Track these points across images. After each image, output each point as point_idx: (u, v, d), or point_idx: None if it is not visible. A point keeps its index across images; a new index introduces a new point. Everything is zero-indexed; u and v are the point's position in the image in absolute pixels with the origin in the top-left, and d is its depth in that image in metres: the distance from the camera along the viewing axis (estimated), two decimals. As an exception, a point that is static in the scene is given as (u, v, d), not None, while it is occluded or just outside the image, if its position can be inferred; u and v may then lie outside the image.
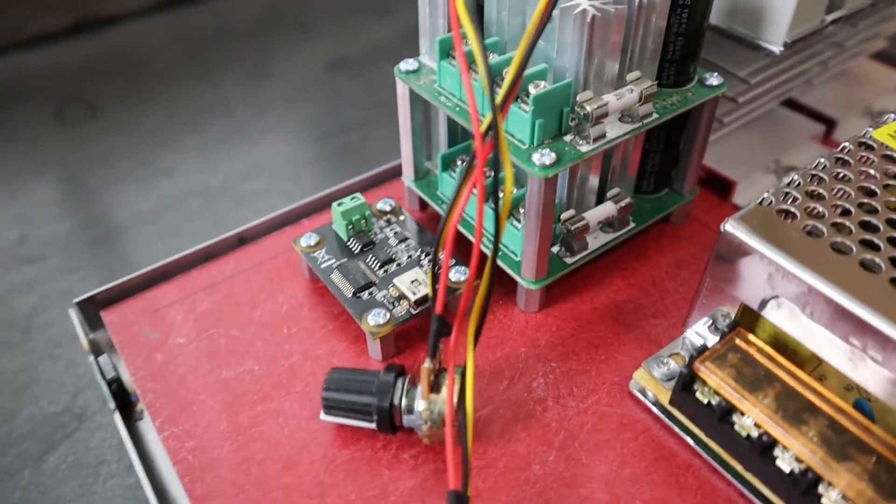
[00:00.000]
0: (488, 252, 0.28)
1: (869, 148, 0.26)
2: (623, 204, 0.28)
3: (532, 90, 0.24)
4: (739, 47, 0.30)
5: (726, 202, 0.34)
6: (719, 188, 0.34)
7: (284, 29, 0.59)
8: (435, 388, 0.23)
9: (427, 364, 0.22)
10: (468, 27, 0.20)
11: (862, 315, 0.20)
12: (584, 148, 0.24)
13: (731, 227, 0.22)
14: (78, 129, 0.49)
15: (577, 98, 0.24)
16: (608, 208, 0.28)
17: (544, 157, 0.24)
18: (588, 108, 0.24)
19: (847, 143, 0.26)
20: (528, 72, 0.24)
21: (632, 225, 0.29)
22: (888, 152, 0.25)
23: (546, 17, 0.21)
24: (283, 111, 0.50)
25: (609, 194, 0.29)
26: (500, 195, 0.20)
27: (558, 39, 0.24)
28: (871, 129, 0.27)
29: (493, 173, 0.20)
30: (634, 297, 0.29)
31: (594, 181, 0.28)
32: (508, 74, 0.20)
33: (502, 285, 0.29)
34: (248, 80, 0.53)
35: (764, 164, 0.35)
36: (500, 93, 0.21)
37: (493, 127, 0.20)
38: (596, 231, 0.29)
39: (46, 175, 0.46)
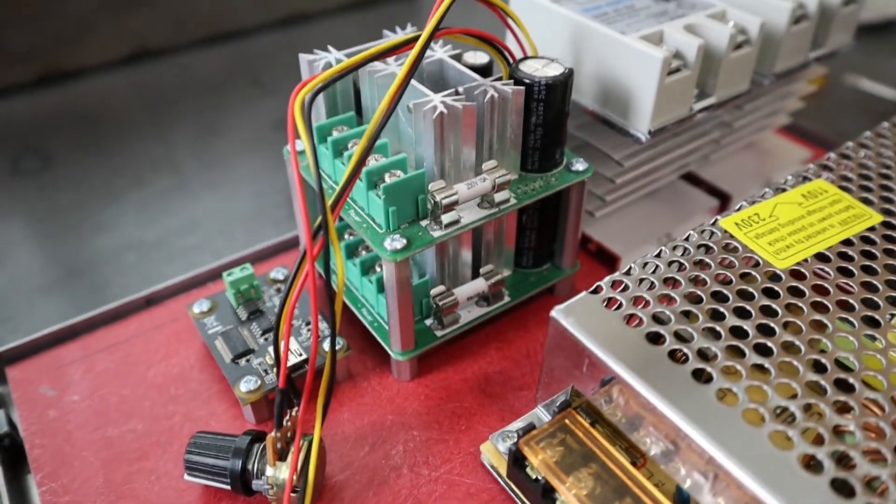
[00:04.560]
0: (366, 323, 0.30)
1: (712, 236, 0.27)
2: (494, 280, 0.30)
3: (387, 179, 0.26)
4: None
5: (614, 274, 0.35)
6: (607, 261, 0.36)
7: (241, 86, 0.61)
8: (283, 455, 0.24)
9: (273, 433, 0.24)
10: (302, 130, 0.22)
11: (658, 406, 0.21)
12: (437, 233, 0.26)
13: (556, 313, 0.24)
14: (30, 181, 0.52)
15: (430, 187, 0.26)
16: (478, 284, 0.30)
17: (395, 242, 0.25)
18: (438, 197, 0.26)
19: (692, 231, 0.28)
20: (387, 161, 0.26)
21: (506, 299, 0.31)
22: (728, 241, 0.27)
23: (384, 120, 0.23)
24: (227, 167, 0.52)
25: (482, 270, 0.30)
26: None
27: (414, 131, 0.26)
28: (719, 217, 0.28)
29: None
30: (506, 369, 0.31)
31: (467, 257, 0.30)
32: (345, 173, 0.22)
33: (380, 354, 0.31)
34: (198, 135, 0.55)
35: (655, 237, 0.37)
36: (340, 187, 0.23)
37: (322, 224, 0.21)
38: (470, 305, 0.31)
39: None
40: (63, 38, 0.63)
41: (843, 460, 0.20)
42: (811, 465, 0.20)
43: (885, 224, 0.28)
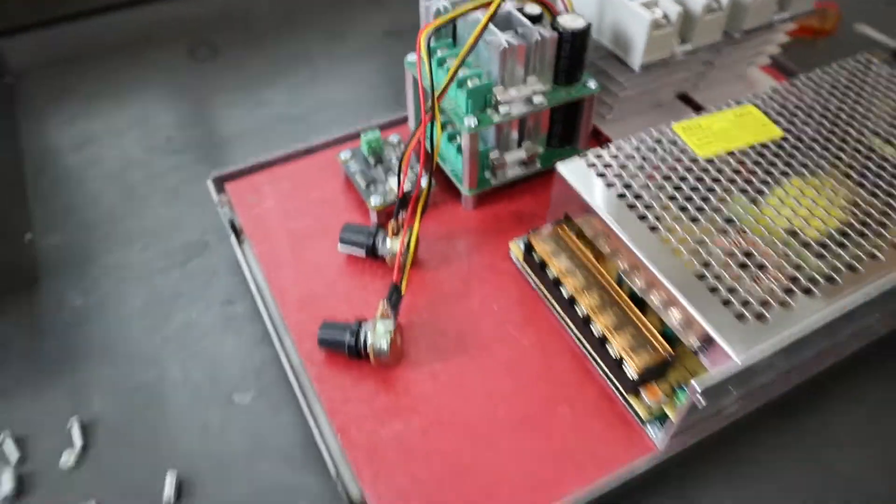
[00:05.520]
0: (447, 171, 0.48)
1: (664, 135, 0.44)
2: (530, 152, 0.48)
3: (470, 84, 0.43)
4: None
5: (616, 160, 0.52)
6: (612, 150, 0.53)
7: (360, 1, 0.78)
8: (396, 235, 0.43)
9: (392, 222, 0.43)
10: (424, 54, 0.39)
11: (614, 226, 0.39)
12: (496, 118, 0.44)
13: (559, 167, 0.41)
14: (205, 66, 0.70)
15: (494, 90, 0.43)
16: (519, 153, 0.48)
17: (470, 120, 0.43)
18: (498, 97, 0.43)
19: (652, 129, 0.44)
20: (470, 72, 0.44)
21: (538, 166, 0.49)
22: (674, 138, 0.44)
23: (470, 49, 0.40)
24: (350, 64, 0.70)
25: (524, 145, 0.48)
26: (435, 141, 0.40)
27: (488, 56, 0.43)
28: (673, 123, 0.45)
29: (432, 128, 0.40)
30: (533, 209, 0.49)
31: (514, 136, 0.47)
32: (445, 79, 0.40)
33: (453, 193, 0.49)
34: (326, 38, 0.73)
35: (649, 137, 0.53)
36: (441, 87, 0.40)
37: (432, 108, 0.39)
38: (514, 166, 0.48)
39: (184, 98, 0.67)
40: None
41: (709, 267, 0.37)
42: (699, 274, 0.37)
43: (782, 138, 0.44)
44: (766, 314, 0.35)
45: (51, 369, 0.46)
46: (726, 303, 0.35)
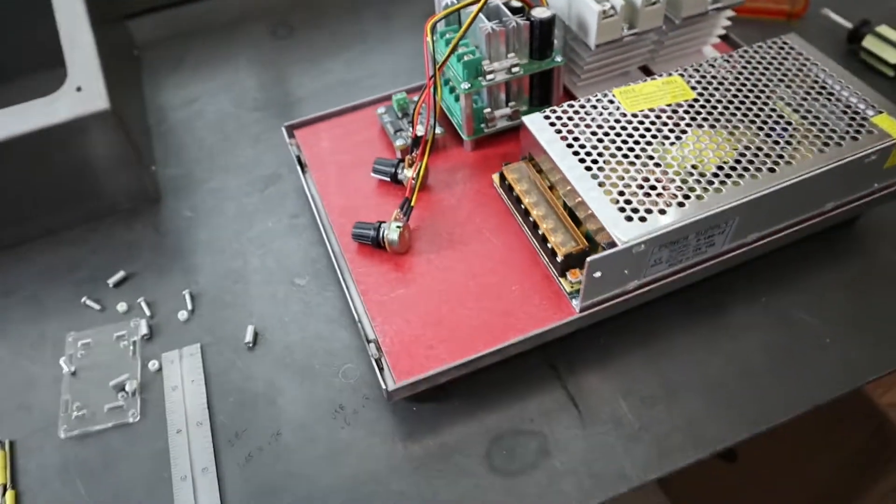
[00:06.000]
0: (453, 122, 0.66)
1: (606, 97, 0.60)
2: (514, 109, 0.65)
3: (465, 58, 0.60)
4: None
5: (586, 117, 0.69)
6: (582, 110, 0.69)
7: (406, -12, 0.96)
8: (412, 166, 0.61)
9: (408, 156, 0.61)
10: (429, 38, 0.57)
11: (557, 162, 0.56)
12: (483, 83, 0.61)
13: (524, 119, 0.58)
14: (283, 42, 0.89)
15: (483, 63, 0.60)
16: (506, 110, 0.65)
17: (465, 84, 0.60)
18: (485, 68, 0.60)
19: (598, 93, 0.61)
20: (465, 49, 0.61)
21: (520, 119, 0.66)
22: (612, 99, 0.60)
23: (464, 33, 0.58)
24: (395, 40, 0.88)
25: (509, 104, 0.65)
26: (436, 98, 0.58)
27: (479, 37, 0.60)
28: (614, 88, 0.61)
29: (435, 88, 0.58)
30: (516, 151, 0.66)
31: (502, 97, 0.65)
32: (446, 54, 0.57)
33: (457, 139, 0.67)
34: (378, 18, 0.91)
35: (613, 100, 0.69)
36: (441, 61, 0.58)
37: (434, 75, 0.57)
38: (503, 120, 0.66)
39: (267, 68, 0.86)
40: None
41: (617, 187, 0.54)
42: (608, 192, 0.54)
43: (694, 99, 0.60)
44: (647, 218, 0.51)
45: (171, 257, 0.66)
46: (621, 209, 0.52)
